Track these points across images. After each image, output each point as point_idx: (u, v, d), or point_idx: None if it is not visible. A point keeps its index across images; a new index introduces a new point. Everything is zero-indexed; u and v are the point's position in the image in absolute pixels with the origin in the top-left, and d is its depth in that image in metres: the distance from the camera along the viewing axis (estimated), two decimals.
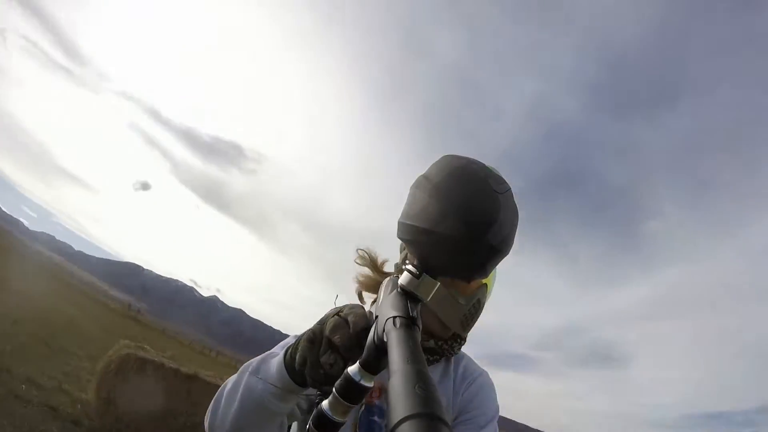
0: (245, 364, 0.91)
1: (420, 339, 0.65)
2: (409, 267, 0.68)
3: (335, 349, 0.76)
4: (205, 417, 0.90)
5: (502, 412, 0.89)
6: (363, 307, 0.74)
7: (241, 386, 0.88)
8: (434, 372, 0.83)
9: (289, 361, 0.81)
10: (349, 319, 0.72)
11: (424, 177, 0.68)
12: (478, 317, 0.96)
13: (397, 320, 0.63)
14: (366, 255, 0.94)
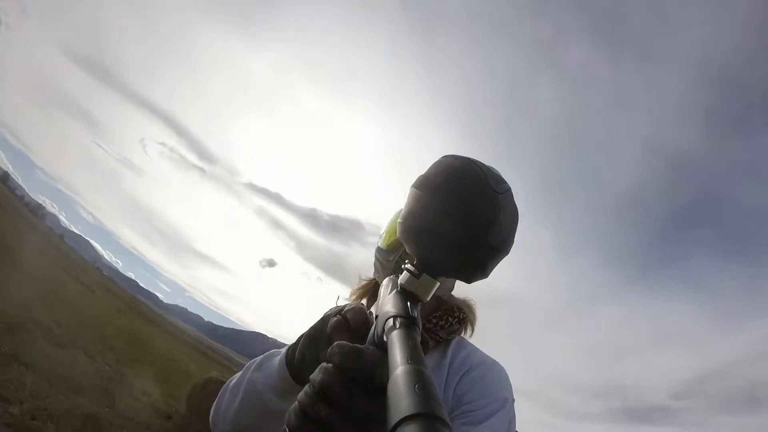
0: (250, 361, 0.93)
1: (420, 339, 0.64)
2: (409, 267, 0.67)
3: None
4: (210, 412, 0.91)
5: None
6: (364, 308, 0.74)
7: (244, 382, 0.88)
8: (428, 360, 0.82)
9: (290, 358, 0.81)
10: (348, 316, 0.71)
11: (424, 177, 0.68)
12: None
13: (397, 320, 0.63)
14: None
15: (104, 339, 9.93)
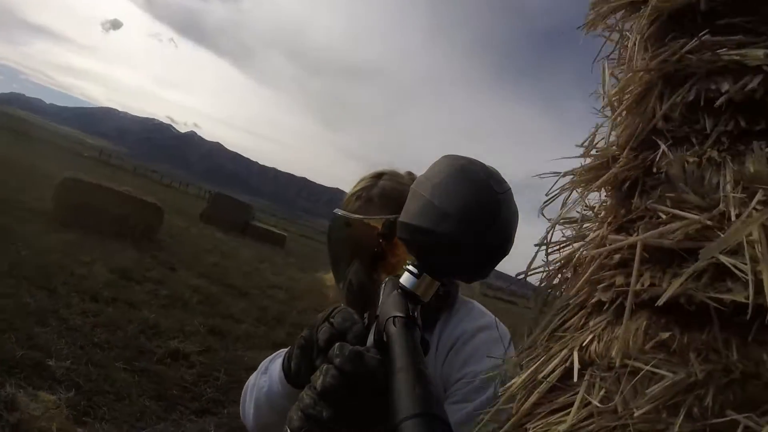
0: (264, 361, 0.98)
1: (420, 338, 0.63)
2: (410, 267, 0.68)
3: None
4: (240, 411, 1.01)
5: None
6: (352, 312, 0.76)
7: (256, 386, 0.94)
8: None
9: (287, 367, 0.84)
10: (336, 322, 0.73)
11: (424, 177, 0.69)
12: None
13: (398, 320, 0.62)
14: None
15: None
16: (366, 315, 0.76)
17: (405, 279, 0.67)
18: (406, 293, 0.66)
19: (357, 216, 1.01)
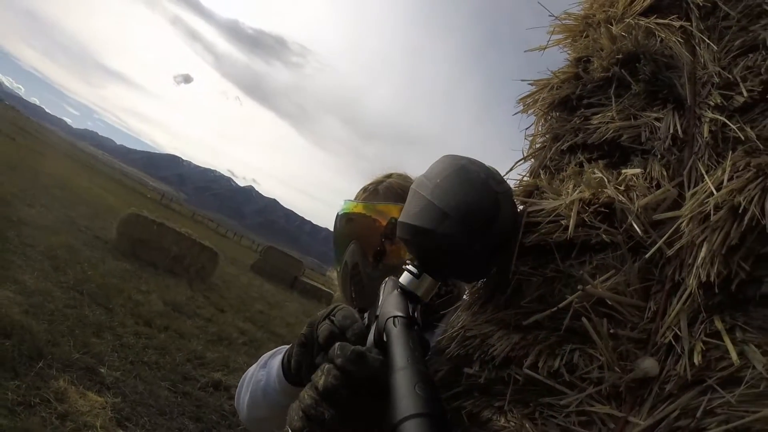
0: (263, 355, 0.99)
1: (420, 338, 0.62)
2: (410, 267, 0.68)
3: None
4: (234, 401, 1.02)
5: None
6: (353, 311, 0.75)
7: (253, 379, 0.95)
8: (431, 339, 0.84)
9: (286, 366, 0.84)
10: (337, 320, 0.74)
11: (424, 177, 0.69)
12: None
13: (398, 320, 0.62)
14: None
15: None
16: (366, 314, 0.75)
17: (405, 279, 0.68)
18: (406, 293, 0.66)
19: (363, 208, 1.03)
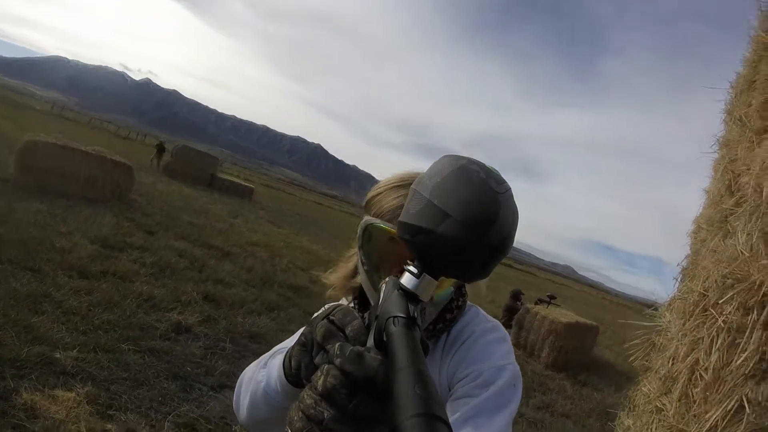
0: (264, 354, 0.99)
1: (420, 338, 0.62)
2: (410, 267, 0.67)
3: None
4: (233, 401, 0.98)
5: None
6: (352, 310, 0.75)
7: (253, 379, 0.95)
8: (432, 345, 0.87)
9: (286, 365, 0.84)
10: (336, 319, 0.74)
11: (424, 177, 0.68)
12: None
13: (398, 320, 0.61)
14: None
15: None
16: (366, 314, 0.75)
17: (405, 279, 0.67)
18: (406, 293, 0.66)
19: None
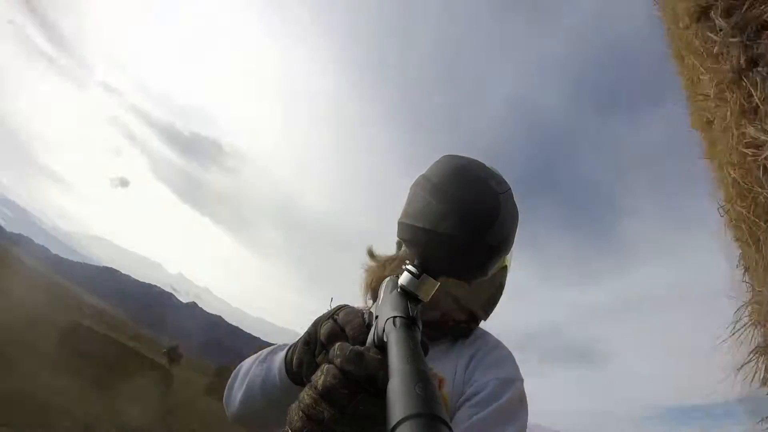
0: (262, 350, 0.98)
1: (420, 338, 0.64)
2: (410, 267, 0.66)
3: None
4: (224, 392, 0.99)
5: None
6: (356, 310, 0.76)
7: (250, 373, 0.94)
8: (434, 349, 0.89)
9: (288, 363, 0.85)
10: (340, 320, 0.75)
11: (424, 177, 0.67)
12: (498, 300, 1.11)
13: (397, 320, 0.62)
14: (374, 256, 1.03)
15: None
16: (366, 314, 0.77)
17: (405, 279, 0.66)
18: (406, 293, 0.65)
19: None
